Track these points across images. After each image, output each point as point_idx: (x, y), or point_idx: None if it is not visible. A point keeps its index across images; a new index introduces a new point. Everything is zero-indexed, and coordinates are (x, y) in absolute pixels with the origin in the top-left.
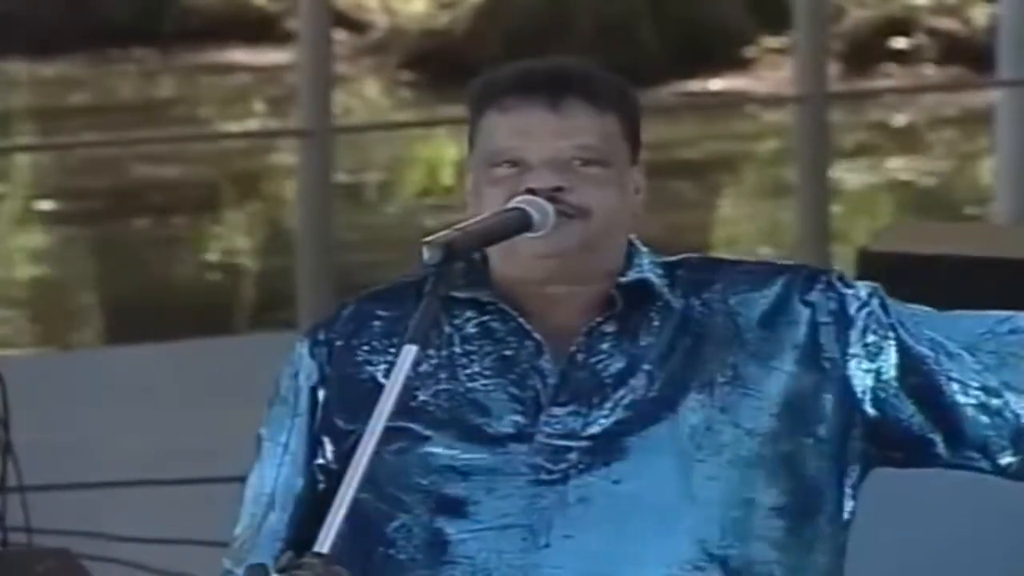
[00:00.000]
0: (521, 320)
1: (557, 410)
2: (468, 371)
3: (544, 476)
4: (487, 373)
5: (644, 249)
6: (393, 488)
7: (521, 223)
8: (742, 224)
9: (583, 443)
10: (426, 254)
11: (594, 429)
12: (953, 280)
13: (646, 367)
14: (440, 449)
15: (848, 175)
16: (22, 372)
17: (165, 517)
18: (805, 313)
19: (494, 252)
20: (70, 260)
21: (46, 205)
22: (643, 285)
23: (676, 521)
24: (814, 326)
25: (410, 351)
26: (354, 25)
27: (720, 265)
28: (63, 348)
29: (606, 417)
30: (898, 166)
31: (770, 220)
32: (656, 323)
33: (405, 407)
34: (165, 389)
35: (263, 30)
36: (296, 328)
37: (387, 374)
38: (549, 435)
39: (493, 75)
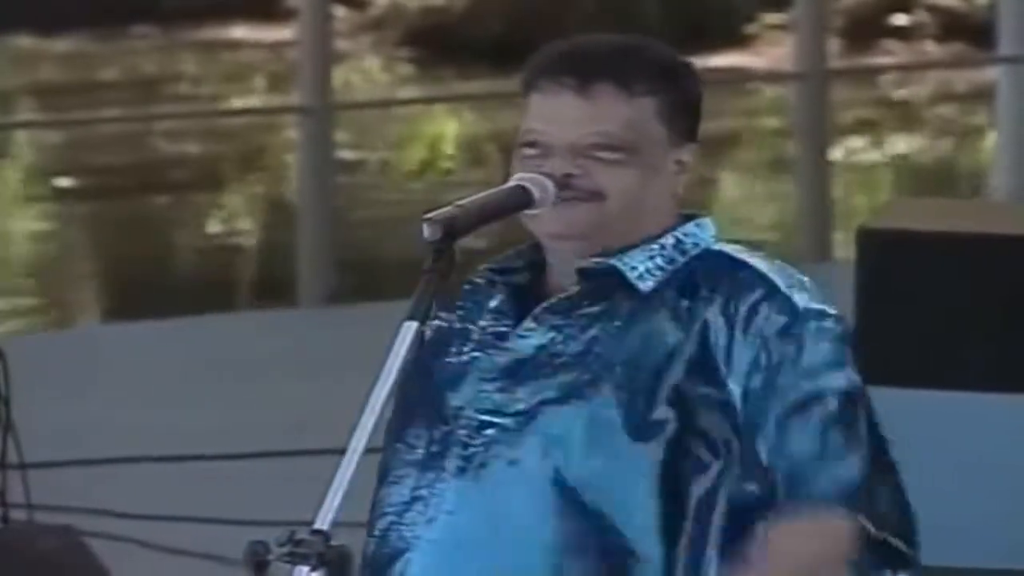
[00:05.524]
0: (519, 294)
1: (487, 386)
2: (469, 343)
3: (460, 451)
4: (476, 346)
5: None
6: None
7: (522, 200)
8: (742, 201)
9: (506, 420)
10: (426, 231)
11: (518, 407)
12: (952, 257)
13: (597, 350)
14: (412, 424)
15: (848, 152)
16: (23, 349)
17: (166, 494)
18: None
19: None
20: (72, 237)
21: (51, 181)
22: (609, 272)
23: (548, 510)
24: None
25: (410, 328)
26: (354, 2)
27: (734, 267)
28: (64, 325)
29: (532, 396)
30: (898, 143)
31: (771, 197)
32: (626, 312)
33: (426, 371)
34: (166, 366)
35: (264, 6)
36: (296, 306)
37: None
38: (476, 410)
39: (539, 54)
